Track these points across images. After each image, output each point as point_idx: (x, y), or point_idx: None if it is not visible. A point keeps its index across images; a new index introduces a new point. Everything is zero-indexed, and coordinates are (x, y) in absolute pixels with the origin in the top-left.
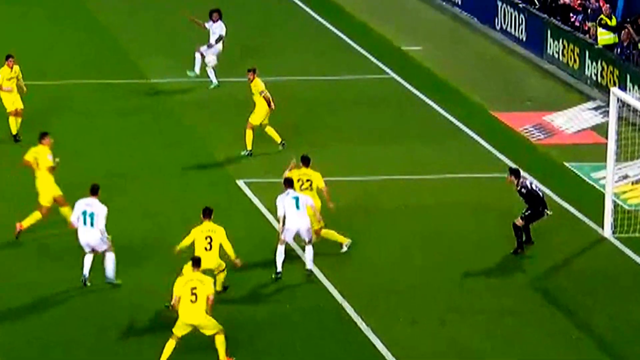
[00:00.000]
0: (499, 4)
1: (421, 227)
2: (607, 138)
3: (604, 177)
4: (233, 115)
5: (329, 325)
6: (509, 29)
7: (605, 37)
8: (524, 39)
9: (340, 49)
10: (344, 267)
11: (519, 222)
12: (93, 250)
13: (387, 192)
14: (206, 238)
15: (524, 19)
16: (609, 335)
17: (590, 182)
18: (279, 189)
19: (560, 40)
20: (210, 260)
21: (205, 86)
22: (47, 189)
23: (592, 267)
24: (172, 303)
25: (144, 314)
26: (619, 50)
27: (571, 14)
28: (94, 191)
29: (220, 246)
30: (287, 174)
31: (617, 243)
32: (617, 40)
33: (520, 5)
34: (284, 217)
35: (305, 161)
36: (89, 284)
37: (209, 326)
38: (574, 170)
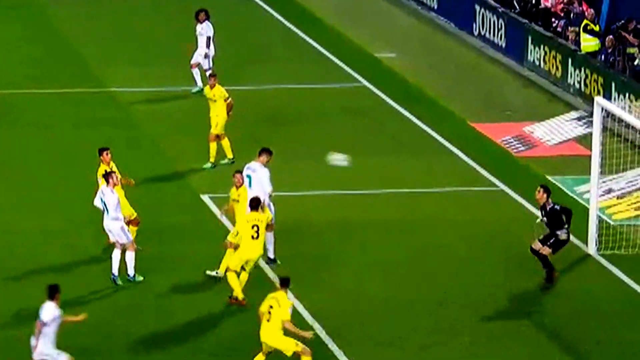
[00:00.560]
0: (477, 8)
1: (397, 243)
2: (591, 150)
3: (588, 191)
4: (198, 126)
5: None
6: (487, 35)
7: (589, 44)
8: (504, 45)
9: (310, 56)
10: (315, 287)
11: (546, 250)
12: (120, 244)
13: (361, 207)
14: (253, 227)
15: (503, 25)
16: (594, 358)
17: (574, 196)
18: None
19: (542, 47)
20: (257, 249)
21: (168, 95)
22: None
23: (576, 286)
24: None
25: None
26: (603, 57)
27: (553, 19)
28: (105, 178)
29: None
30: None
31: (602, 260)
32: (600, 46)
33: (500, 10)
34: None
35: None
36: (120, 282)
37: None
38: (557, 184)
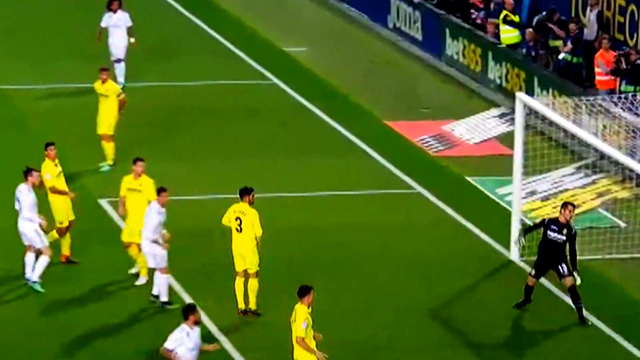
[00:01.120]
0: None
1: (308, 250)
2: (513, 149)
3: (510, 193)
4: (93, 125)
5: None
6: (403, 27)
7: (508, 35)
8: (420, 38)
9: (216, 51)
10: (227, 298)
11: (570, 281)
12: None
13: (270, 212)
14: (236, 219)
15: (419, 17)
16: None
17: (495, 198)
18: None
19: (460, 40)
20: (241, 243)
21: (60, 93)
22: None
23: (497, 294)
24: None
25: None
26: (525, 50)
27: (472, 11)
28: (25, 175)
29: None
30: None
31: (526, 267)
32: (521, 39)
33: (416, 1)
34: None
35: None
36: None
37: None
38: (477, 186)
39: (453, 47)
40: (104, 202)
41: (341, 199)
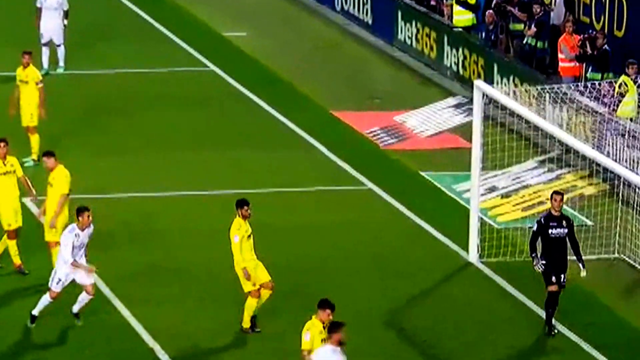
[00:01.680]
0: None
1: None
2: (471, 142)
3: (468, 190)
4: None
5: None
6: (351, 10)
7: (461, 17)
8: (370, 22)
9: (150, 36)
10: (157, 303)
11: (556, 288)
12: None
13: (209, 210)
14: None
15: None
16: None
17: (452, 195)
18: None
19: (414, 23)
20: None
21: None
22: None
23: (453, 300)
24: None
25: None
26: (483, 34)
27: None
28: None
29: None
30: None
31: (485, 269)
32: (475, 21)
33: None
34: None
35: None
36: None
37: None
38: (432, 182)
39: (406, 31)
40: (27, 201)
41: (284, 197)
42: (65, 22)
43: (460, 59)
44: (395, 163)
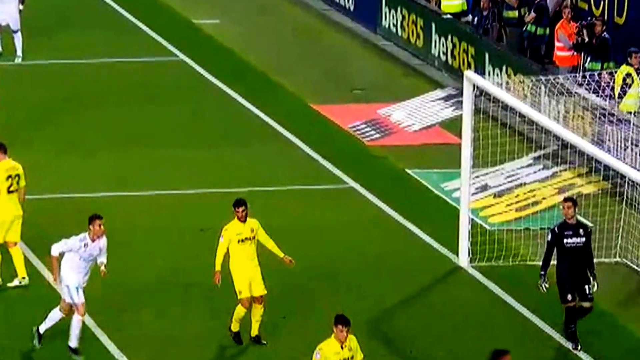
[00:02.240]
0: None
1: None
2: (460, 137)
3: (458, 189)
4: None
5: None
6: None
7: (451, 3)
8: (352, 8)
9: (115, 24)
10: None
11: (589, 305)
12: None
13: (178, 211)
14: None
15: None
16: None
17: (441, 194)
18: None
19: (399, 10)
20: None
21: None
22: None
23: (442, 307)
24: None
25: None
26: (474, 22)
27: None
28: None
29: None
30: None
31: (476, 274)
32: (465, 7)
33: None
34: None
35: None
36: None
37: None
38: (419, 180)
39: (390, 17)
40: None
41: (261, 196)
42: (21, 7)
43: (449, 47)
44: (379, 160)
